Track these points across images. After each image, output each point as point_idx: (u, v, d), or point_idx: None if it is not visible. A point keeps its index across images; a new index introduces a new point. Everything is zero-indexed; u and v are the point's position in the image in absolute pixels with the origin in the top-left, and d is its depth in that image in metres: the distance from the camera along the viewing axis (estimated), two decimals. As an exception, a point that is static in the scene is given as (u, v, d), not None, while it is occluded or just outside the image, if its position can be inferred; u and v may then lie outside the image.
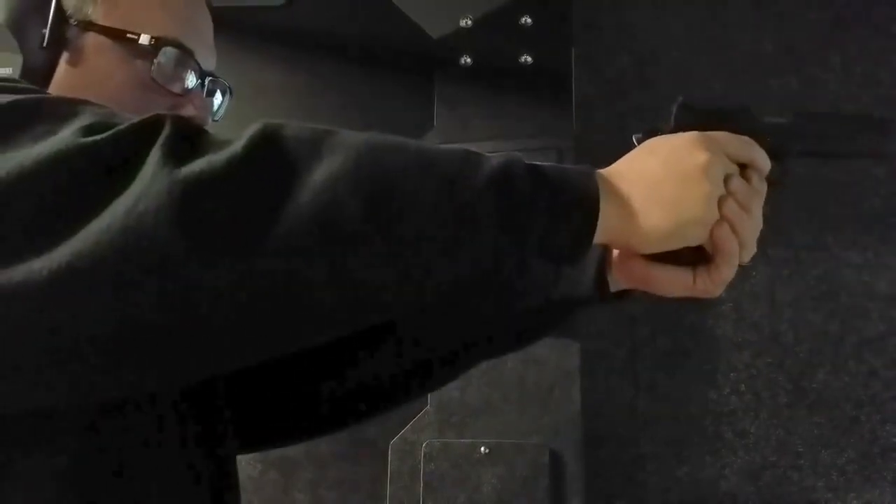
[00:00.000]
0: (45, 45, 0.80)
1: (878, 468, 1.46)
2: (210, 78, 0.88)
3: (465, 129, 1.52)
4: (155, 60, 0.82)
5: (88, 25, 0.82)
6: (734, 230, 0.68)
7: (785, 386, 1.50)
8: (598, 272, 0.80)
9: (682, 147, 0.67)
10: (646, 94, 1.62)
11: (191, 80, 0.85)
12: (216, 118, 0.93)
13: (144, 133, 0.56)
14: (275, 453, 1.53)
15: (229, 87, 0.93)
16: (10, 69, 0.80)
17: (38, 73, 0.80)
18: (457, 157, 0.60)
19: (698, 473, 1.50)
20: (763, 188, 0.70)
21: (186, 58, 0.84)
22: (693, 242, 0.68)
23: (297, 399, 0.93)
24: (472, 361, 0.92)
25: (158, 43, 0.82)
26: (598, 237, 0.64)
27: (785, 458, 1.48)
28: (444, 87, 1.55)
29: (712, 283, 0.70)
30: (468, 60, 1.53)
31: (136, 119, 0.57)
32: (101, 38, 0.82)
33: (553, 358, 1.46)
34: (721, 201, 0.67)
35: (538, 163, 0.63)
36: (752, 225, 0.69)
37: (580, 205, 0.62)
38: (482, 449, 1.44)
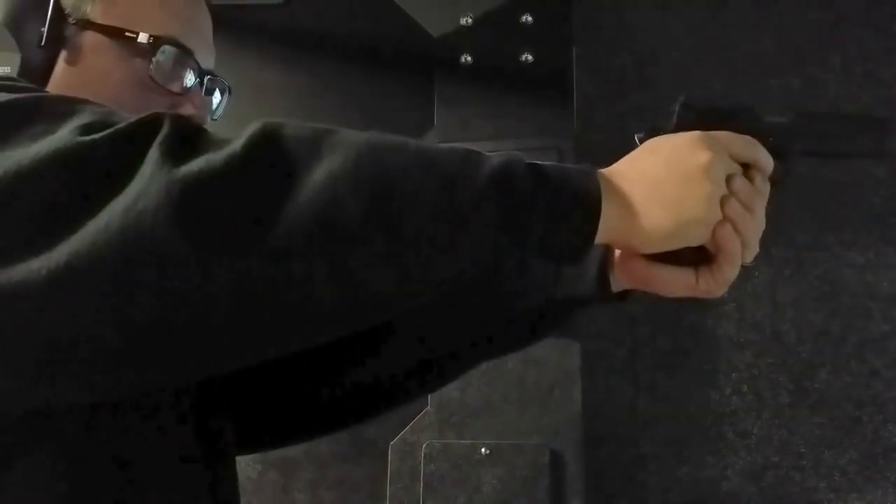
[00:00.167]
0: (43, 43, 0.80)
1: (880, 468, 1.45)
2: (209, 77, 0.88)
3: (465, 128, 1.52)
4: (153, 59, 0.82)
5: (87, 24, 0.81)
6: (737, 230, 0.67)
7: (787, 386, 1.50)
8: (599, 272, 0.79)
9: (684, 146, 0.66)
10: (646, 94, 1.62)
11: (190, 79, 0.84)
12: (215, 117, 0.93)
13: (143, 132, 0.56)
14: (275, 453, 1.52)
15: (228, 86, 0.92)
16: (9, 68, 0.80)
17: (37, 71, 0.80)
18: (457, 157, 0.60)
19: (699, 474, 1.50)
20: (766, 188, 0.70)
21: (185, 57, 0.84)
22: (695, 242, 0.67)
23: (297, 399, 0.93)
24: (473, 362, 0.91)
25: (157, 42, 0.82)
26: (600, 237, 0.63)
27: (787, 458, 1.48)
28: (444, 87, 1.54)
29: (715, 283, 0.70)
30: (468, 59, 1.53)
31: (134, 118, 0.57)
32: (100, 37, 0.81)
33: (553, 358, 1.46)
34: (724, 201, 0.66)
35: (539, 162, 0.63)
36: (755, 225, 0.69)
37: (581, 204, 0.62)
38: (482, 449, 1.44)
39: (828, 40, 1.59)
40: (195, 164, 0.53)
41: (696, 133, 0.68)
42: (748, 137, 0.70)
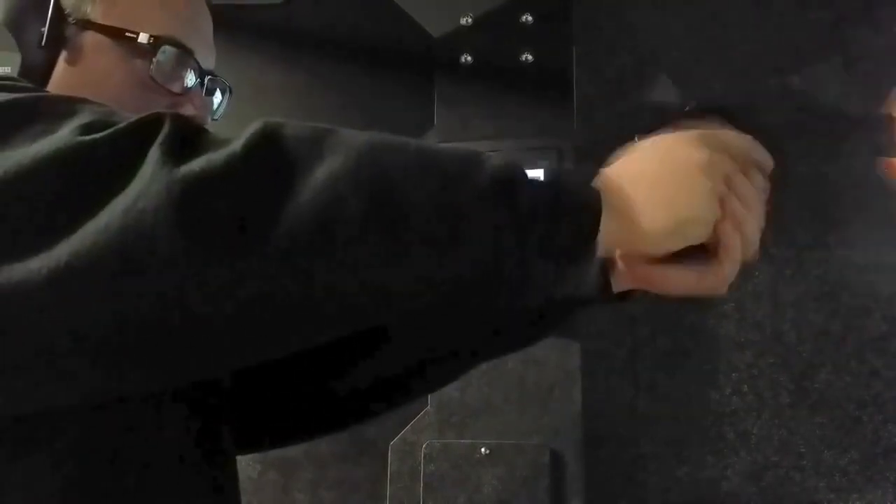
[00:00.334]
0: (43, 43, 0.80)
1: (880, 469, 1.45)
2: (209, 77, 0.88)
3: (465, 128, 1.51)
4: (154, 59, 0.81)
5: (87, 24, 0.81)
6: (737, 227, 0.67)
7: (787, 386, 1.50)
8: (600, 272, 0.79)
9: (680, 145, 0.66)
10: (646, 94, 1.62)
11: (190, 79, 0.84)
12: (216, 117, 0.93)
13: (143, 132, 0.56)
14: (275, 454, 1.52)
15: (229, 87, 0.92)
16: (9, 68, 0.80)
17: (37, 71, 0.80)
18: (458, 157, 0.60)
19: (699, 474, 1.49)
20: (765, 186, 0.70)
21: (186, 57, 0.84)
22: (695, 241, 0.67)
23: (297, 399, 0.92)
24: (473, 362, 0.91)
25: (157, 42, 0.81)
26: (600, 240, 0.63)
27: (787, 458, 1.48)
28: (444, 87, 1.54)
29: (716, 281, 0.70)
30: (468, 59, 1.53)
31: (134, 117, 0.57)
32: (100, 37, 0.81)
33: (553, 358, 1.46)
34: (723, 199, 0.66)
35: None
36: (755, 222, 0.68)
37: (582, 205, 0.62)
38: (482, 449, 1.44)
39: (828, 40, 1.59)
40: (196, 164, 0.53)
41: (692, 131, 0.67)
42: (746, 136, 0.70)
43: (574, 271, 0.80)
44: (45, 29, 0.80)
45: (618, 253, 0.76)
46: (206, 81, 0.87)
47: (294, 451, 1.53)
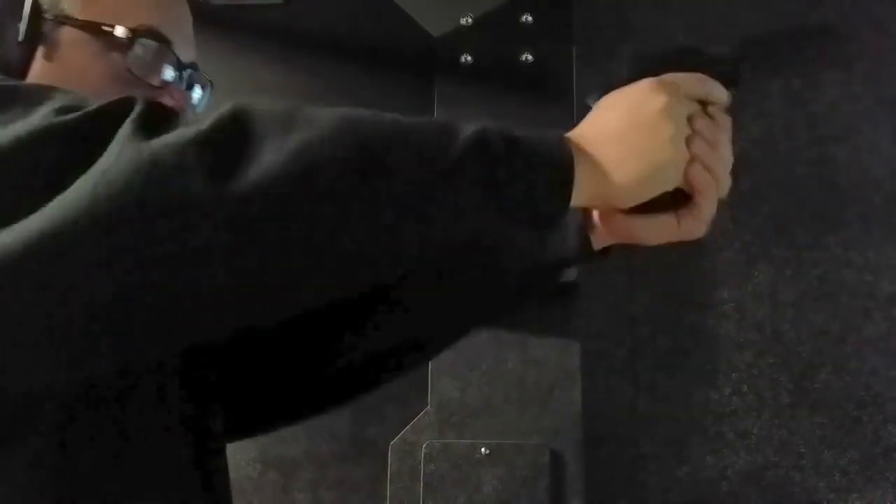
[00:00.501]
0: (20, 39, 0.80)
1: (880, 469, 1.45)
2: (189, 70, 0.87)
3: (465, 128, 1.51)
4: (130, 52, 0.82)
5: (64, 19, 0.81)
6: (706, 167, 0.68)
7: (787, 386, 1.50)
8: (579, 232, 0.80)
9: (639, 95, 0.68)
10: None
11: (168, 73, 0.84)
12: (196, 112, 0.92)
13: (116, 110, 0.57)
14: (274, 453, 1.52)
15: (210, 81, 0.92)
16: (-14, 64, 0.80)
17: (15, 68, 0.80)
18: (434, 126, 0.62)
19: (699, 474, 1.49)
20: (726, 121, 0.71)
21: (163, 49, 0.84)
22: (669, 186, 0.68)
23: (288, 378, 0.92)
24: (460, 332, 0.91)
25: (134, 34, 0.82)
26: (576, 201, 0.64)
27: (787, 458, 1.48)
28: (444, 87, 1.54)
29: (695, 223, 0.71)
30: (468, 59, 1.53)
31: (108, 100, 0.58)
32: (77, 32, 0.82)
33: (553, 358, 1.46)
34: (688, 140, 0.68)
35: (512, 132, 0.64)
36: (723, 158, 0.70)
37: (554, 168, 0.63)
38: (482, 449, 1.44)
39: (828, 40, 1.59)
40: (165, 138, 0.54)
41: (647, 80, 0.69)
42: (698, 74, 0.71)
43: (553, 233, 0.81)
44: (22, 25, 0.80)
45: (595, 212, 0.76)
46: (185, 75, 0.87)
47: (294, 451, 1.53)
